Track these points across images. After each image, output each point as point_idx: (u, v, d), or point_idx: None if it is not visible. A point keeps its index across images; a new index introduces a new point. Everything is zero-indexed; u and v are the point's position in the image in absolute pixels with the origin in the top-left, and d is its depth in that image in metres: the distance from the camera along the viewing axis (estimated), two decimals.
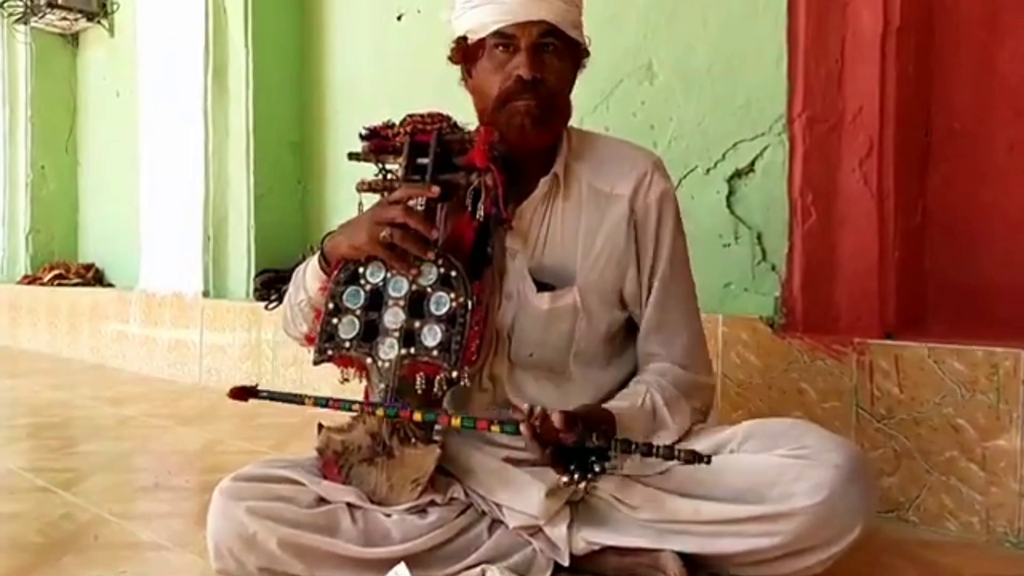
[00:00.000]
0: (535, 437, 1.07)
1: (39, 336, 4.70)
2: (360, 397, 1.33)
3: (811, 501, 1.08)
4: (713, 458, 1.14)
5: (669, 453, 1.04)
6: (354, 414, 1.25)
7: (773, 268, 1.89)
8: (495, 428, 1.13)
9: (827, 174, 1.80)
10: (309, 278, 1.33)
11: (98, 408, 2.92)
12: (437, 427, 1.24)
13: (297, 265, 1.41)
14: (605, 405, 1.22)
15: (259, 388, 1.25)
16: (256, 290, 3.32)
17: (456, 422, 1.16)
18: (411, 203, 1.22)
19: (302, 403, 1.24)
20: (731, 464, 1.15)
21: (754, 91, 1.92)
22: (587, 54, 1.31)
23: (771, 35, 1.87)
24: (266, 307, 3.06)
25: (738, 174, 1.95)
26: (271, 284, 3.22)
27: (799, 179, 1.82)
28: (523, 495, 1.21)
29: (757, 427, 1.18)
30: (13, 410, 2.98)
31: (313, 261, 1.32)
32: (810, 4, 1.82)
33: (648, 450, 1.05)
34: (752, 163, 1.93)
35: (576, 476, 1.07)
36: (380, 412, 1.20)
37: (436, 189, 1.21)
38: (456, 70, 1.34)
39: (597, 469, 1.07)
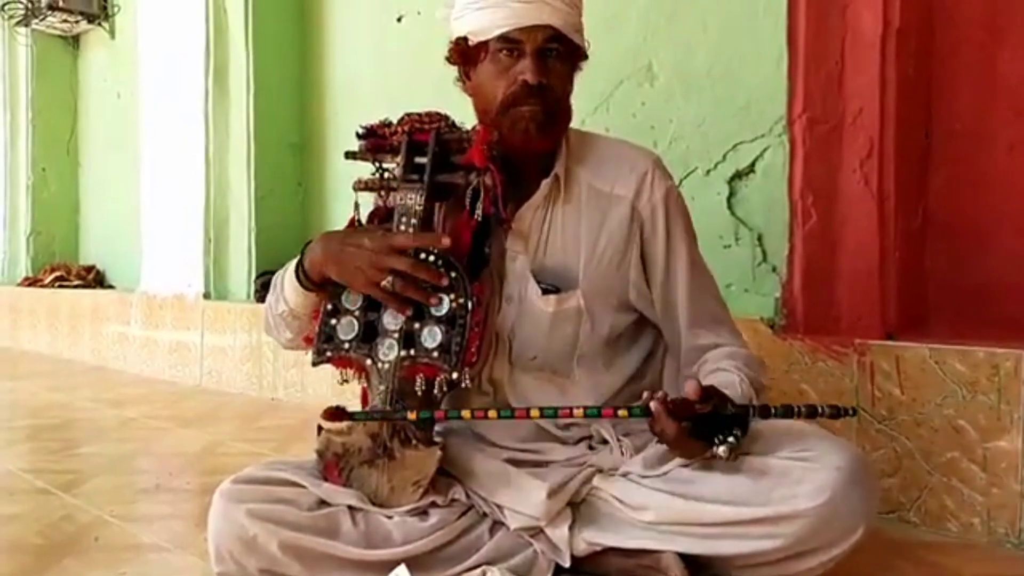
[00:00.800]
0: (670, 413, 1.07)
1: (40, 338, 4.70)
2: (358, 400, 1.33)
3: (813, 503, 1.07)
4: (715, 461, 1.13)
5: (812, 411, 1.07)
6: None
7: (774, 269, 1.89)
8: (622, 413, 1.12)
9: (827, 175, 1.80)
10: (288, 291, 1.30)
11: (99, 410, 2.92)
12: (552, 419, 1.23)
13: None
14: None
15: (352, 411, 1.18)
16: (257, 292, 3.32)
17: (579, 412, 1.15)
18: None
19: (404, 419, 1.18)
20: (733, 466, 1.14)
21: (754, 92, 1.92)
22: (586, 57, 1.30)
23: (771, 37, 1.87)
24: None
25: (738, 175, 1.95)
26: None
27: (799, 180, 1.82)
28: (524, 496, 1.21)
29: (760, 429, 1.18)
30: (13, 412, 2.98)
31: (291, 272, 1.29)
32: (810, 6, 1.82)
33: (788, 412, 1.07)
34: (752, 164, 1.93)
35: (724, 443, 1.06)
36: (492, 414, 1.18)
37: (447, 241, 1.19)
38: (454, 70, 1.34)
39: (739, 434, 1.07)
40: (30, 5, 4.85)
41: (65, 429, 2.61)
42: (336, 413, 1.18)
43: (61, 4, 4.69)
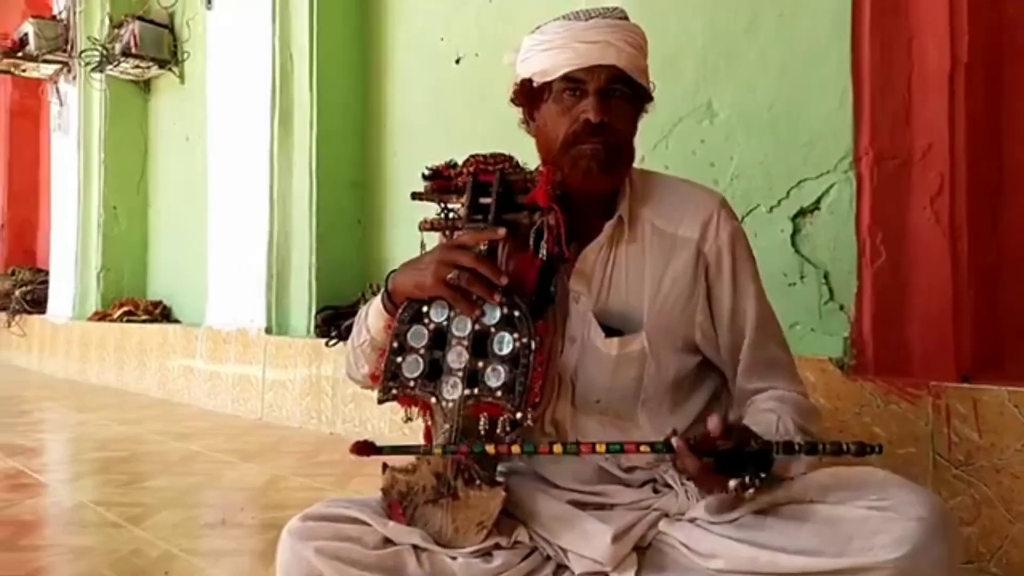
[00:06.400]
0: (691, 449, 1.06)
1: (108, 371, 4.85)
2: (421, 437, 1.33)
3: (893, 555, 1.03)
4: (789, 507, 1.10)
5: (837, 448, 1.03)
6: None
7: (841, 308, 1.84)
8: (644, 449, 1.12)
9: (897, 212, 1.77)
10: (372, 318, 1.33)
11: (165, 443, 2.99)
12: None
13: (358, 303, 1.40)
14: None
15: (381, 445, 1.17)
16: (317, 327, 3.38)
17: (601, 448, 1.13)
18: (479, 248, 1.22)
19: (430, 453, 1.19)
20: (809, 515, 1.11)
21: (818, 129, 1.89)
22: (651, 99, 1.31)
23: (835, 72, 1.85)
24: (327, 343, 3.11)
25: (803, 212, 1.92)
26: (331, 321, 3.27)
27: (867, 217, 1.79)
28: (589, 540, 1.19)
29: (836, 476, 1.14)
30: (83, 444, 3.06)
31: (376, 301, 1.32)
32: (874, 41, 1.80)
33: (812, 448, 1.05)
34: (818, 201, 1.90)
35: (747, 481, 1.04)
36: (516, 449, 1.17)
37: (502, 231, 1.21)
38: (514, 111, 1.35)
39: (763, 475, 1.05)
40: (105, 52, 5.09)
41: (133, 462, 2.67)
42: (363, 447, 1.19)
43: (134, 51, 4.91)
